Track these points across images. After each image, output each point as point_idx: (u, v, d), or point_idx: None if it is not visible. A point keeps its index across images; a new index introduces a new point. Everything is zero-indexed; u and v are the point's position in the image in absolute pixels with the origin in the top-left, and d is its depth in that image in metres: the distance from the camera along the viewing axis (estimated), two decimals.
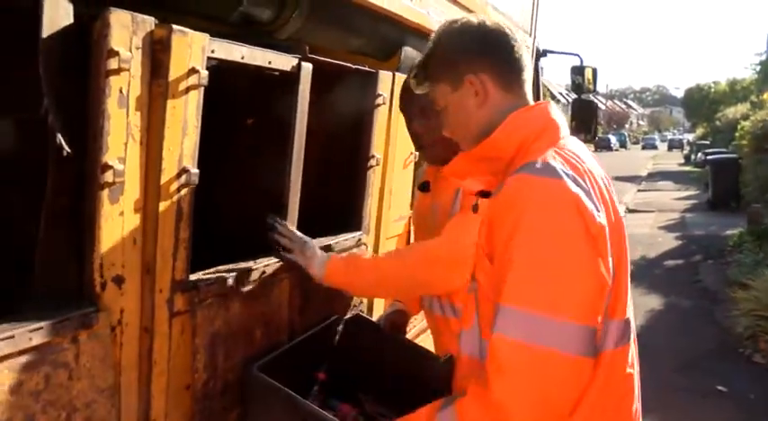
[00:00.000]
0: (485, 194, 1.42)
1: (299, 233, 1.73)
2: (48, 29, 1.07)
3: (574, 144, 1.32)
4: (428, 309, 2.04)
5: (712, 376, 4.86)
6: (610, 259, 1.20)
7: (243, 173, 1.77)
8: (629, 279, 1.31)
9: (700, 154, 22.03)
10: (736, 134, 13.04)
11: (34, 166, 1.22)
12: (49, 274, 1.15)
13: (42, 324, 1.06)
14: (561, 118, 1.35)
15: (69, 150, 1.09)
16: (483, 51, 1.31)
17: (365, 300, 2.32)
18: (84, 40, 1.14)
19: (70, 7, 1.12)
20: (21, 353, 1.03)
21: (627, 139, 58.07)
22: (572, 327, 1.12)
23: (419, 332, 2.88)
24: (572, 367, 1.13)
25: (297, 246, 1.71)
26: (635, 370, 1.33)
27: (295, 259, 1.71)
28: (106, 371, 1.19)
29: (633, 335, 1.32)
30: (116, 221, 1.20)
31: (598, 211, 1.18)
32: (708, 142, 22.76)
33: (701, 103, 24.86)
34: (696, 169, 22.33)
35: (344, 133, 2.21)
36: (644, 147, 56.92)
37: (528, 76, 1.35)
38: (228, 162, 1.78)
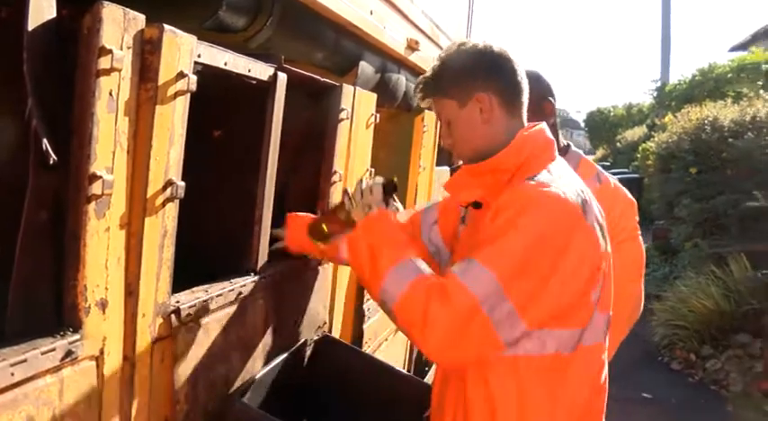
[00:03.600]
0: (476, 205, 1.46)
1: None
2: (33, 22, 0.95)
3: (563, 163, 1.45)
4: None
5: (638, 384, 5.07)
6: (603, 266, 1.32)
7: (213, 185, 1.66)
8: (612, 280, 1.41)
9: None
10: (638, 155, 13.73)
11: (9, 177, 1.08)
12: (27, 298, 1.01)
13: (25, 356, 0.93)
14: (552, 137, 1.46)
15: (56, 158, 0.97)
16: (492, 73, 1.39)
17: (327, 321, 2.24)
18: (70, 36, 1.03)
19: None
20: (1, 391, 0.89)
21: None
22: (509, 308, 1.21)
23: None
24: (488, 334, 1.21)
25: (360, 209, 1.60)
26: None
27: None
28: (90, 407, 1.06)
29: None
30: (102, 238, 1.08)
31: (592, 224, 1.30)
32: (609, 163, 24.00)
33: (601, 126, 26.17)
34: None
35: (307, 147, 2.13)
36: None
37: (525, 98, 1.44)
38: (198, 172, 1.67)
